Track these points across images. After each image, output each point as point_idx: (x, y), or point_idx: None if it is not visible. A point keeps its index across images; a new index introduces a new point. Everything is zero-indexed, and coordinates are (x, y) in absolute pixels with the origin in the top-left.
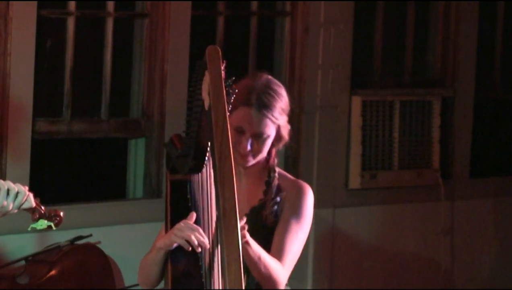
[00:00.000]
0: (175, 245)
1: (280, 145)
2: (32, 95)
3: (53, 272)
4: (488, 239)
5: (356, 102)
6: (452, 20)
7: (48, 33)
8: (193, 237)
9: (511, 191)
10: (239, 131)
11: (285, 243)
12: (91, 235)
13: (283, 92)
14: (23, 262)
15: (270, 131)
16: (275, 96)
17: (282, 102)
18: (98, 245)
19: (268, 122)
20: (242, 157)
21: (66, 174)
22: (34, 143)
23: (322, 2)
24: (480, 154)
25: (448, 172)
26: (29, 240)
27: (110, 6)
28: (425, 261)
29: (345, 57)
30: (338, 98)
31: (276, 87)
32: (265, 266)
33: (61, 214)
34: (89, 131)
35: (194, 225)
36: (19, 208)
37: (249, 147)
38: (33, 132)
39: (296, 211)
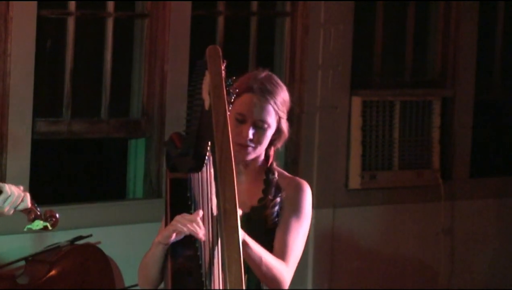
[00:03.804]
0: (173, 238)
1: (279, 144)
2: (32, 95)
3: (53, 272)
4: (488, 239)
5: (356, 102)
6: (452, 20)
7: (48, 33)
8: (191, 228)
9: (511, 191)
10: (240, 121)
11: (287, 242)
12: (91, 235)
13: (285, 88)
14: (23, 262)
15: (271, 121)
16: (278, 87)
17: (285, 95)
18: (98, 245)
19: (270, 109)
20: (242, 148)
21: (66, 174)
22: (34, 143)
23: (322, 2)
24: (480, 154)
25: (448, 172)
26: (29, 240)
27: (110, 6)
28: (425, 261)
29: (345, 57)
30: (338, 98)
31: (279, 81)
32: (267, 267)
33: (57, 215)
34: (89, 131)
35: (192, 216)
36: (15, 209)
37: (250, 136)
38: (33, 132)
39: (295, 209)
